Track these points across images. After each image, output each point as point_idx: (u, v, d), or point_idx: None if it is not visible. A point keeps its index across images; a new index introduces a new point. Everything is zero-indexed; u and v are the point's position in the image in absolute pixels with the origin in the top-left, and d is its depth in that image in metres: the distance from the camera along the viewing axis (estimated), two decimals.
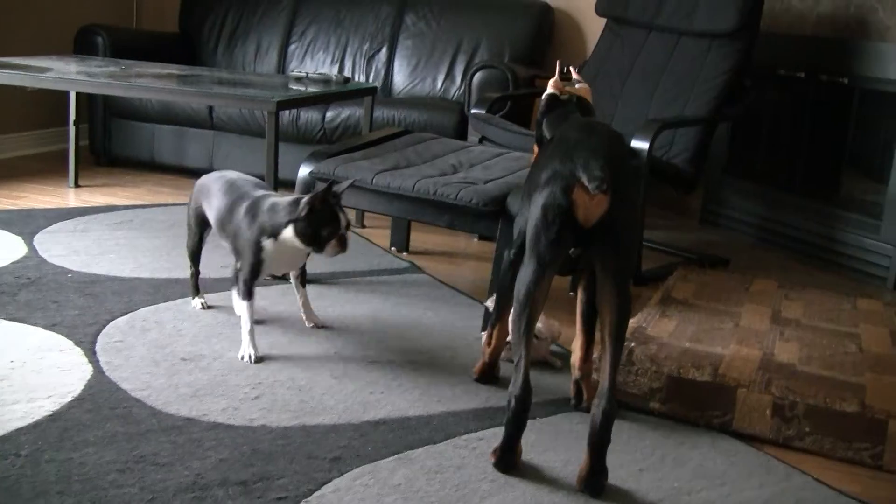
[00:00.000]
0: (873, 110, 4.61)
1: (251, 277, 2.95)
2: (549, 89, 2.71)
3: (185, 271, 3.46)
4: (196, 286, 3.38)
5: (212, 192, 3.12)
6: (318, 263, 3.80)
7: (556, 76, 2.78)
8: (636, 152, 3.83)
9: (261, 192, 3.03)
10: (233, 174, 3.18)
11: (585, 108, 2.71)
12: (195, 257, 3.35)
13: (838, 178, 4.85)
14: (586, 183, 2.17)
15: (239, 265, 3.01)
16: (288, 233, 2.85)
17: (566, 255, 2.30)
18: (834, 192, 4.83)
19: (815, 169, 5.00)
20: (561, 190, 2.22)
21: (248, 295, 2.96)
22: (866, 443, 2.57)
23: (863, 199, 4.66)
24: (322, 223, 2.82)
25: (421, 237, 4.38)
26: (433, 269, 4.00)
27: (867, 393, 2.68)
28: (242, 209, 2.96)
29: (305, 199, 2.84)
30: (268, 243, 2.89)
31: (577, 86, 2.79)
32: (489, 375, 2.85)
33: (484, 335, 2.89)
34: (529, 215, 2.31)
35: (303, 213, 2.82)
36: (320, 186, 3.51)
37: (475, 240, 4.54)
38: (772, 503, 2.31)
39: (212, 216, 3.12)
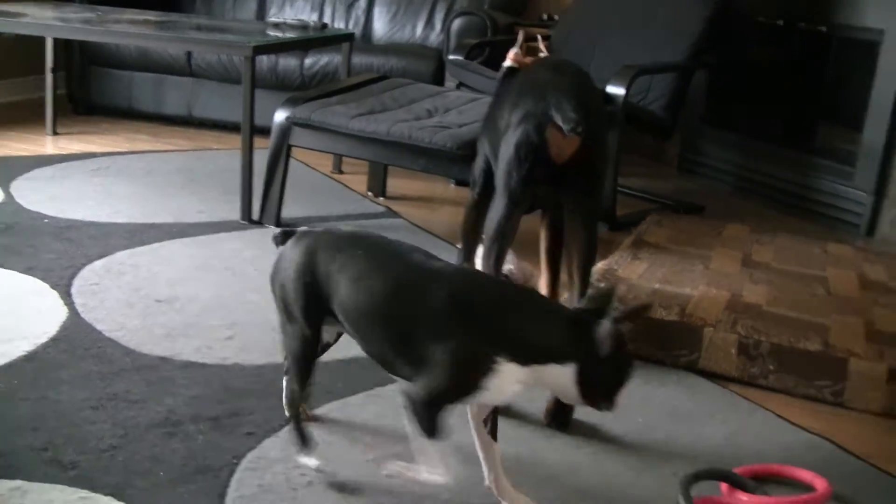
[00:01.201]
0: (850, 59, 4.63)
1: (443, 402, 1.79)
2: (508, 62, 2.67)
3: (162, 216, 3.48)
4: (305, 437, 2.07)
5: (343, 264, 1.91)
6: (292, 206, 3.82)
7: (517, 47, 2.73)
8: (611, 97, 3.85)
9: (454, 272, 1.94)
10: (371, 236, 2.06)
11: None
12: (305, 376, 2.03)
13: (814, 127, 4.88)
14: (560, 123, 2.19)
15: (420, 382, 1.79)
16: (563, 371, 1.75)
17: (536, 192, 2.34)
18: (810, 140, 4.85)
19: (792, 117, 5.02)
20: (534, 128, 2.24)
21: (434, 430, 1.80)
22: (828, 380, 2.62)
23: (838, 148, 4.69)
24: (623, 367, 1.79)
25: (399, 183, 4.40)
26: (410, 213, 4.03)
27: (830, 333, 2.73)
28: (438, 298, 1.79)
29: (607, 324, 1.72)
30: (509, 369, 1.74)
31: (541, 55, 2.77)
32: None
33: None
34: (501, 154, 2.32)
35: (607, 349, 1.73)
36: (297, 132, 3.52)
37: (452, 185, 4.55)
38: (733, 438, 2.36)
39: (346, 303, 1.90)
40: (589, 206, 2.33)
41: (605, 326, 1.71)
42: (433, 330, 1.77)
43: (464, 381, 1.76)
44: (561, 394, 1.85)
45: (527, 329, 1.76)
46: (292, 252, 1.99)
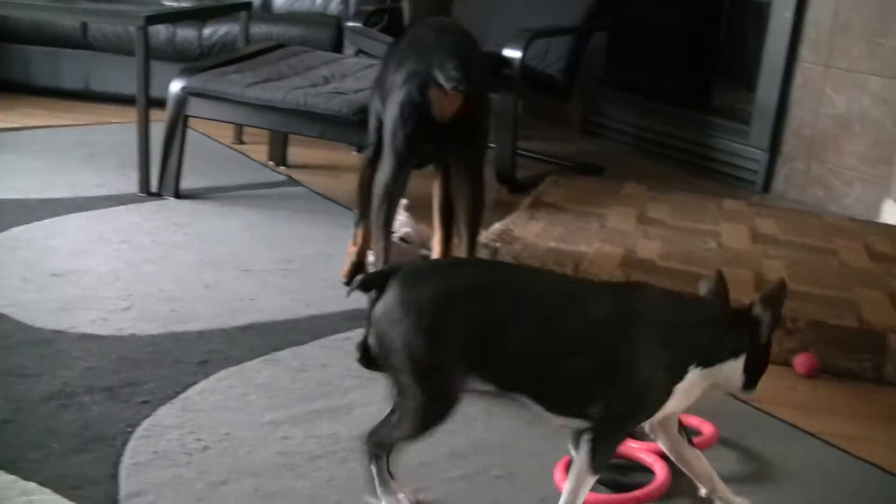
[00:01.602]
0: (743, 21, 4.73)
1: (634, 426, 1.81)
2: None
3: (59, 191, 3.42)
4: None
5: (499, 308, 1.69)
6: (192, 177, 3.80)
7: None
8: (509, 60, 3.89)
9: (621, 288, 1.88)
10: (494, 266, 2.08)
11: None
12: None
13: (711, 87, 4.98)
14: (443, 82, 2.23)
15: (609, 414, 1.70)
16: (736, 365, 1.76)
17: (422, 151, 2.38)
18: (707, 100, 4.96)
19: (689, 79, 5.12)
20: (417, 88, 2.29)
21: (605, 464, 1.77)
22: None
23: (733, 107, 4.80)
24: (769, 350, 1.81)
25: (301, 152, 4.39)
26: (311, 182, 4.02)
27: None
28: (635, 320, 1.69)
29: (760, 308, 1.76)
30: (695, 375, 1.73)
31: None
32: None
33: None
34: (386, 114, 2.37)
35: (765, 335, 1.77)
36: (194, 103, 3.51)
37: (355, 152, 4.56)
38: None
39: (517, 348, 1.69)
40: (473, 161, 2.39)
41: (766, 315, 1.73)
42: (636, 352, 1.67)
43: (659, 398, 1.71)
44: (725, 386, 1.79)
45: (712, 332, 1.74)
46: (417, 300, 1.67)
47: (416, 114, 2.29)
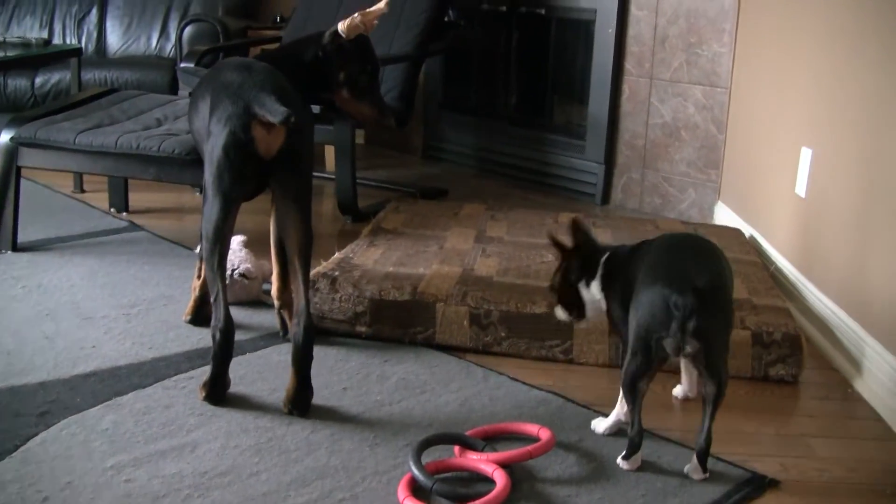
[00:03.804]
0: (569, 38, 4.88)
1: None
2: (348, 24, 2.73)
3: None
4: None
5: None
6: (30, 229, 3.75)
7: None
8: None
9: None
10: None
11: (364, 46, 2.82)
12: None
13: (545, 105, 5.12)
14: (269, 118, 2.27)
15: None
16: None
17: (248, 187, 2.41)
18: (542, 117, 5.09)
19: (524, 97, 5.25)
20: (241, 128, 2.31)
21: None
22: (557, 340, 2.78)
23: (568, 123, 4.95)
24: None
25: (143, 196, 4.36)
26: (154, 225, 4.00)
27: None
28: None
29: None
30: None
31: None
32: (200, 314, 2.90)
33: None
34: (207, 157, 2.38)
35: None
36: (25, 153, 3.46)
37: (198, 193, 4.54)
38: (467, 404, 2.49)
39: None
40: (299, 191, 2.43)
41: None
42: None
43: None
44: None
45: None
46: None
47: (242, 153, 2.32)
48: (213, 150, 2.35)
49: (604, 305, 2.38)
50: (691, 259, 2.21)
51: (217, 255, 2.37)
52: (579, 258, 2.39)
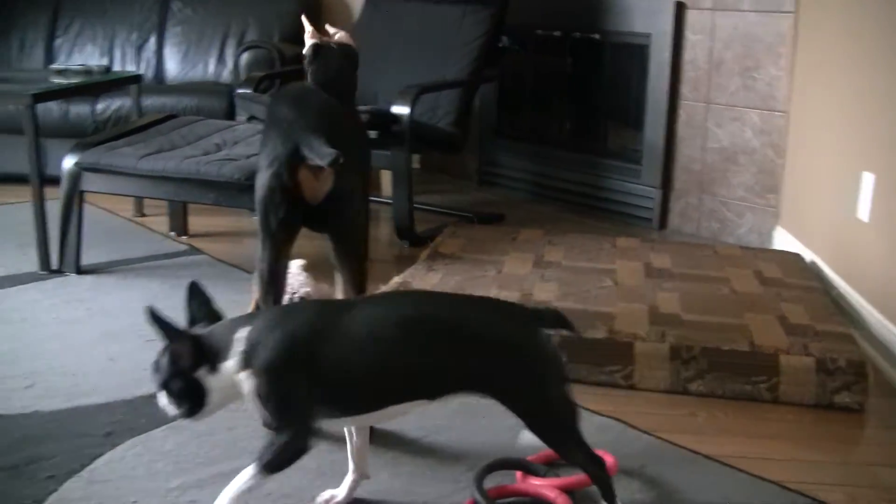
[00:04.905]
0: (624, 63, 4.87)
1: None
2: (311, 40, 2.62)
3: None
4: None
5: None
6: (93, 252, 3.80)
7: (311, 29, 2.68)
8: (398, 117, 3.97)
9: None
10: None
11: (348, 53, 2.69)
12: None
13: (600, 130, 5.10)
14: (318, 161, 2.19)
15: None
16: None
17: (298, 229, 2.37)
18: (597, 142, 5.08)
19: (579, 122, 5.25)
20: (286, 171, 2.24)
21: None
22: (618, 365, 2.77)
23: (623, 147, 4.93)
24: None
25: (202, 220, 4.40)
26: (212, 249, 4.04)
27: (616, 320, 2.89)
28: None
29: None
30: None
31: (336, 36, 2.78)
32: None
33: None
34: (256, 194, 2.33)
35: None
36: (88, 178, 3.51)
37: (255, 217, 4.57)
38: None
39: None
40: (350, 233, 2.40)
41: None
42: None
43: None
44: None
45: None
46: None
47: (286, 198, 2.25)
48: (259, 189, 2.30)
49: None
50: None
51: (271, 297, 2.36)
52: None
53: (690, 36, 4.45)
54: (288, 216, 2.29)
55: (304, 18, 2.74)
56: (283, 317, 1.94)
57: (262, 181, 2.29)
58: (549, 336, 1.92)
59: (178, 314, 3.17)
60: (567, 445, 1.93)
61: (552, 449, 1.97)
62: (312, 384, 1.82)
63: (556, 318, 1.95)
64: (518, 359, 1.87)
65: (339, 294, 2.45)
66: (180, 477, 2.18)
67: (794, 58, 4.06)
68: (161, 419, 2.43)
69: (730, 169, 4.38)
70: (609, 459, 2.24)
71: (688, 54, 4.47)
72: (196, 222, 4.33)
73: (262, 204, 2.29)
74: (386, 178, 4.94)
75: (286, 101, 2.45)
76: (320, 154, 2.18)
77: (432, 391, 1.88)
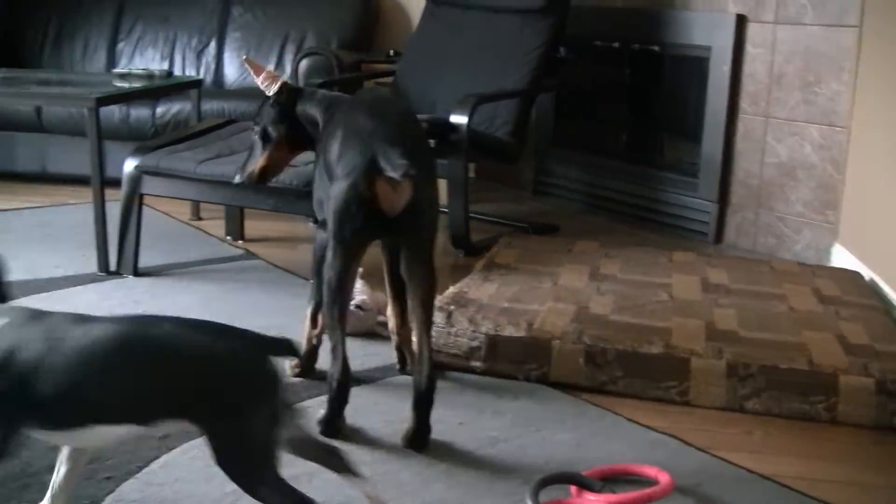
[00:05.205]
0: (683, 75, 4.84)
1: None
2: (269, 81, 2.70)
3: (17, 273, 3.41)
4: None
5: None
6: (150, 255, 3.83)
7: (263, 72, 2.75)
8: (456, 126, 3.98)
9: None
10: None
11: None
12: None
13: (657, 142, 5.08)
14: (391, 172, 2.18)
15: None
16: None
17: (372, 240, 2.40)
18: (654, 155, 5.05)
19: (636, 134, 5.22)
20: (364, 183, 2.24)
21: None
22: (673, 381, 2.75)
23: (680, 160, 4.90)
24: None
25: (258, 225, 4.43)
26: (268, 254, 4.06)
27: (673, 335, 2.86)
28: None
29: None
30: None
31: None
32: (311, 370, 2.82)
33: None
34: (330, 206, 2.33)
35: None
36: (148, 181, 3.55)
37: (311, 223, 4.60)
38: (582, 443, 2.47)
39: None
40: (423, 245, 2.39)
41: None
42: None
43: None
44: None
45: None
46: None
47: (364, 208, 2.26)
48: (335, 198, 2.30)
49: None
50: None
51: (337, 306, 2.36)
52: None
53: (751, 49, 4.42)
54: (363, 227, 2.29)
55: (246, 60, 2.80)
56: (21, 319, 1.86)
57: (338, 190, 2.28)
58: (273, 370, 1.78)
59: (234, 318, 3.21)
60: (258, 487, 1.79)
61: (241, 488, 1.80)
62: (17, 390, 1.76)
63: (287, 347, 1.85)
64: (220, 384, 1.76)
65: (411, 305, 2.44)
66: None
67: (856, 72, 4.01)
68: None
69: (788, 184, 4.33)
70: (665, 477, 2.23)
71: (748, 67, 4.43)
72: (252, 227, 4.36)
73: (338, 214, 2.29)
74: (441, 186, 4.94)
75: (363, 109, 2.44)
76: (394, 165, 2.17)
77: (141, 415, 1.78)
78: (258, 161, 2.72)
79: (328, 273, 2.35)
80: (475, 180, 5.62)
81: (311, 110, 2.63)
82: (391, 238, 2.42)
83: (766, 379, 2.69)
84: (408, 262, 2.39)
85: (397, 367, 2.85)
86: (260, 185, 2.83)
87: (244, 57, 2.86)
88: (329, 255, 2.35)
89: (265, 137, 2.71)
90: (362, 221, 2.28)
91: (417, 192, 2.27)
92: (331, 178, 2.37)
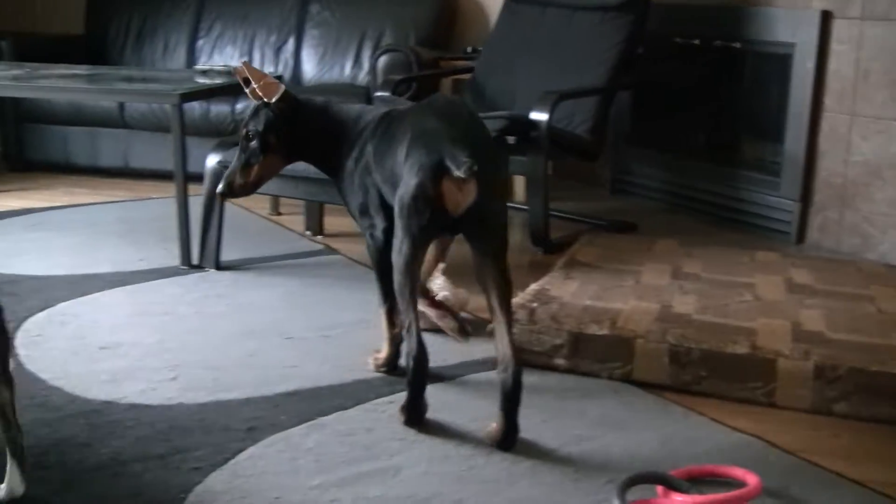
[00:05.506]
0: (765, 73, 4.77)
1: None
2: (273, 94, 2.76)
3: (102, 266, 3.49)
4: None
5: None
6: (231, 249, 3.87)
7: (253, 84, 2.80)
8: (536, 124, 3.96)
9: None
10: None
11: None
12: None
13: (737, 140, 5.01)
14: (457, 172, 2.22)
15: None
16: None
17: (438, 235, 2.47)
18: (734, 153, 4.99)
19: (716, 132, 5.16)
20: (430, 181, 2.28)
21: None
22: (758, 382, 2.71)
23: (761, 159, 4.83)
24: None
25: (338, 220, 4.44)
26: (347, 249, 4.08)
27: (758, 336, 2.82)
28: None
29: None
30: None
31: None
32: (395, 365, 2.82)
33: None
34: (399, 199, 2.37)
35: None
36: None
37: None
38: (668, 443, 2.44)
39: None
40: (494, 246, 2.40)
41: None
42: None
43: None
44: None
45: None
46: None
47: (430, 206, 2.30)
48: (403, 195, 2.35)
49: None
50: None
51: (409, 287, 2.38)
52: None
53: (836, 46, 4.34)
54: (429, 224, 2.34)
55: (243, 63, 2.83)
56: None
57: (407, 188, 2.33)
58: None
59: (315, 313, 3.24)
60: None
61: None
62: None
63: None
64: None
65: (491, 303, 2.44)
66: (321, 475, 2.20)
67: None
68: (302, 417, 2.48)
69: (873, 183, 4.25)
70: (753, 479, 2.19)
71: (833, 65, 4.35)
72: (331, 222, 4.39)
73: (406, 209, 2.34)
74: (520, 183, 4.93)
75: (434, 113, 2.48)
76: (459, 164, 2.21)
77: None
78: (254, 168, 2.75)
79: (397, 259, 2.38)
80: (552, 178, 5.60)
81: (331, 119, 2.74)
82: (458, 233, 2.45)
83: (855, 382, 2.64)
84: (479, 263, 2.40)
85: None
86: (250, 194, 2.86)
87: (243, 61, 2.86)
88: (396, 242, 2.39)
89: (262, 144, 2.74)
90: (428, 219, 2.32)
91: (483, 194, 2.29)
92: (394, 180, 2.43)
